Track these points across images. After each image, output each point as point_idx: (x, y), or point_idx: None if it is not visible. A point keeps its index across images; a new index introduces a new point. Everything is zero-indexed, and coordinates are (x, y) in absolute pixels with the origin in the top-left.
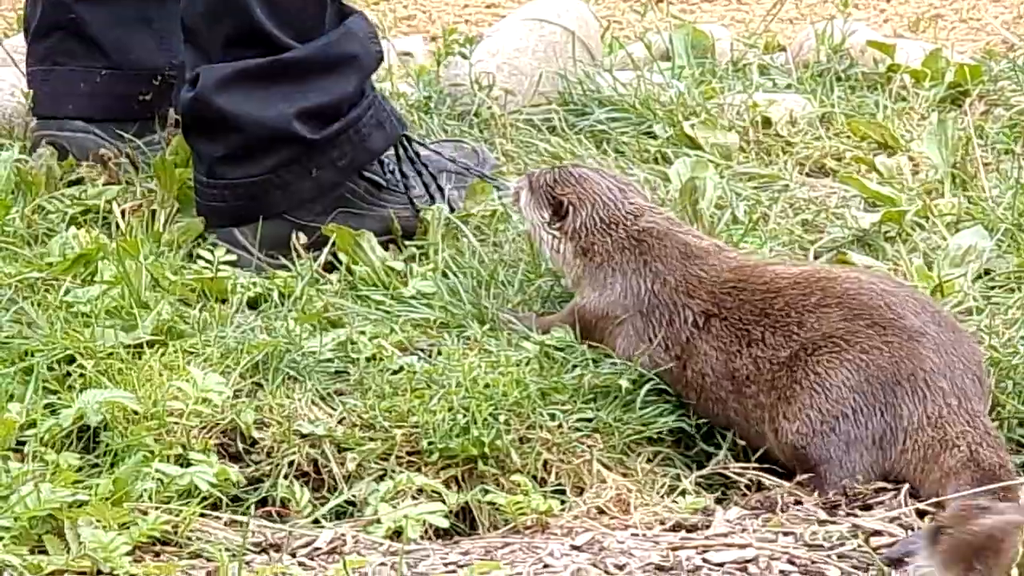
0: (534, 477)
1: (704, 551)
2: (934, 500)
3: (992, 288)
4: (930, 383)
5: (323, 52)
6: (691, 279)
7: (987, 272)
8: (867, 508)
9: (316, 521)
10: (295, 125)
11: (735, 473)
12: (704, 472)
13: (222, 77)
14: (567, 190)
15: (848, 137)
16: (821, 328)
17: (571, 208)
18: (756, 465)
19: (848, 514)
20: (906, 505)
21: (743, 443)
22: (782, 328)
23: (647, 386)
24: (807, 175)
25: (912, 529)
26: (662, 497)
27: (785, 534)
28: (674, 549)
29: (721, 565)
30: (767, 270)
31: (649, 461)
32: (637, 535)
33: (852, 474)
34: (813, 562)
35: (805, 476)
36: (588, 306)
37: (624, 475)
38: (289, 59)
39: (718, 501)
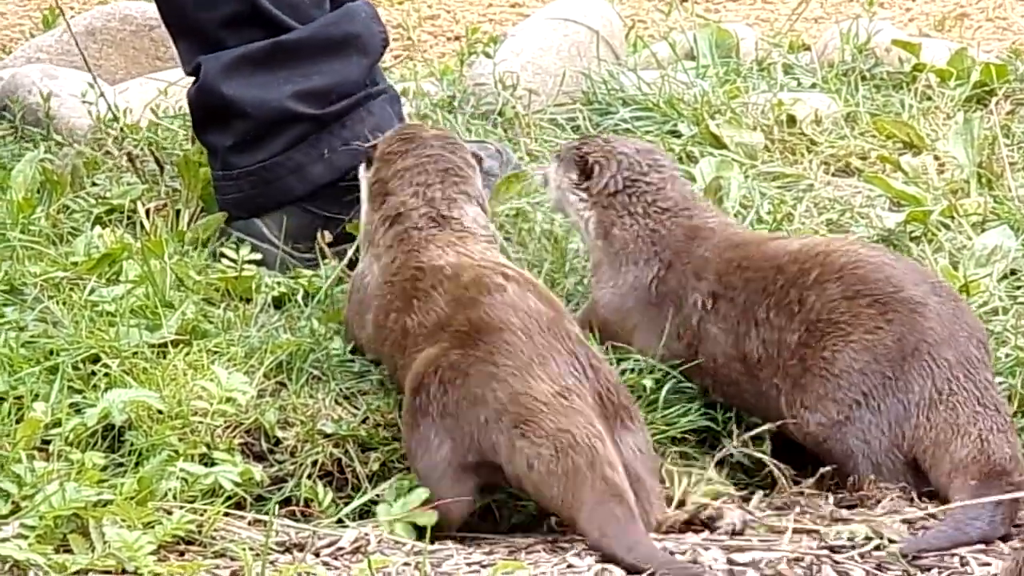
0: None
1: (730, 551)
2: (941, 508)
3: (1018, 288)
4: (935, 355)
5: (324, 32)
6: (697, 260)
7: (1013, 272)
8: (879, 503)
9: (340, 521)
10: (298, 105)
11: (751, 462)
12: (720, 455)
13: (224, 64)
14: (594, 150)
15: (873, 136)
16: (822, 307)
17: (597, 166)
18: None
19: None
20: (911, 504)
21: (763, 438)
22: (784, 307)
23: (669, 385)
24: (832, 174)
25: (924, 528)
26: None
27: (808, 533)
28: (700, 549)
29: (747, 565)
30: (768, 246)
31: (674, 461)
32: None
33: (875, 464)
34: (837, 562)
35: (827, 469)
36: (602, 302)
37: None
38: (290, 41)
39: (744, 499)
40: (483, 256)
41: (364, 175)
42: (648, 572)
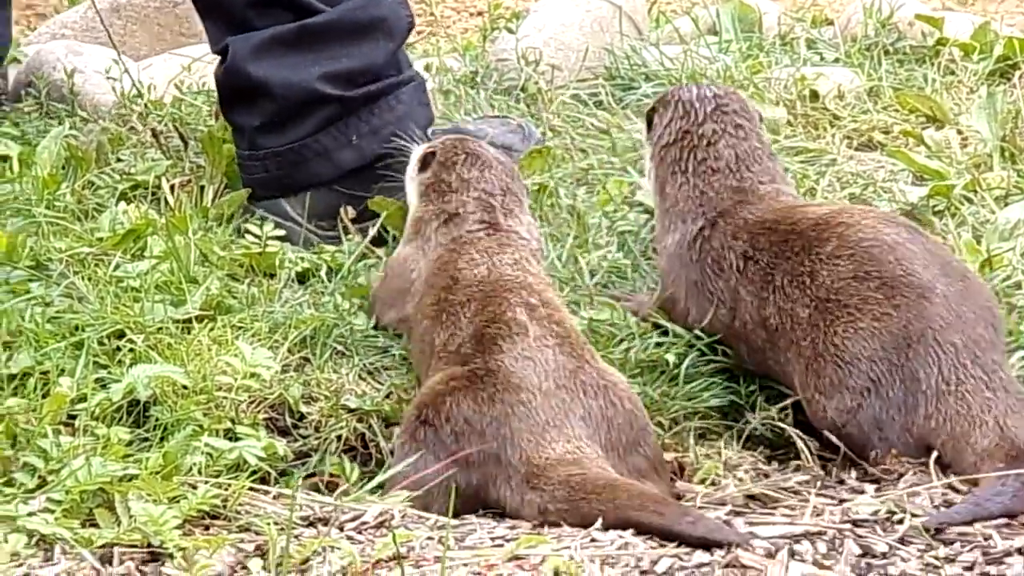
0: None
1: (753, 525)
2: (968, 477)
3: None
4: (941, 341)
5: (351, 15)
6: (738, 221)
7: None
8: (901, 477)
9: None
10: (325, 87)
11: (776, 435)
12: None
13: (253, 45)
14: (661, 97)
15: (896, 111)
16: (832, 284)
17: (655, 115)
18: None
19: (882, 487)
20: (937, 479)
21: (787, 411)
22: (797, 278)
23: (690, 359)
24: (855, 149)
25: (947, 504)
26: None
27: (831, 507)
28: (723, 523)
29: (769, 539)
30: (797, 211)
31: (698, 436)
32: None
33: (887, 450)
34: (859, 536)
35: (844, 451)
36: (659, 266)
37: (671, 449)
38: (317, 23)
39: (764, 476)
40: (516, 271)
41: (417, 176)
42: (724, 544)
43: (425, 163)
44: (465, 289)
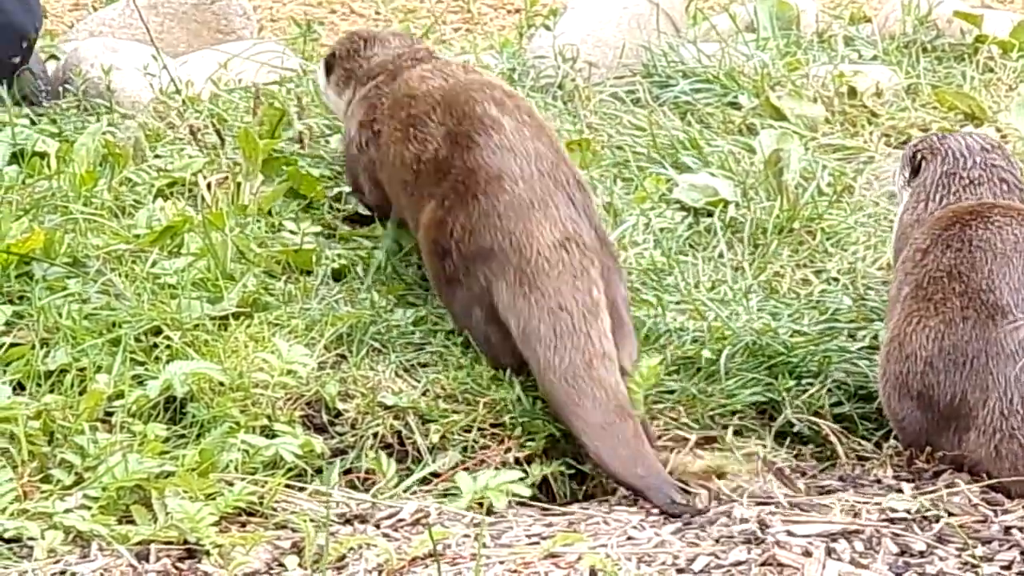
0: None
1: (790, 523)
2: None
3: None
4: (995, 371)
5: None
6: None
7: None
8: (938, 476)
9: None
10: None
11: (810, 429)
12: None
13: None
14: (923, 147)
15: (935, 108)
16: (929, 271)
17: (923, 162)
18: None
19: (920, 485)
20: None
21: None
22: (907, 260)
23: (725, 355)
24: (893, 147)
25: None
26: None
27: (867, 507)
28: (758, 521)
29: (806, 537)
30: (963, 206)
31: (735, 433)
32: (722, 505)
33: (931, 453)
34: (896, 534)
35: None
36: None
37: (709, 447)
38: None
39: (800, 473)
40: (473, 75)
41: (327, 80)
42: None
43: (329, 66)
44: (426, 99)
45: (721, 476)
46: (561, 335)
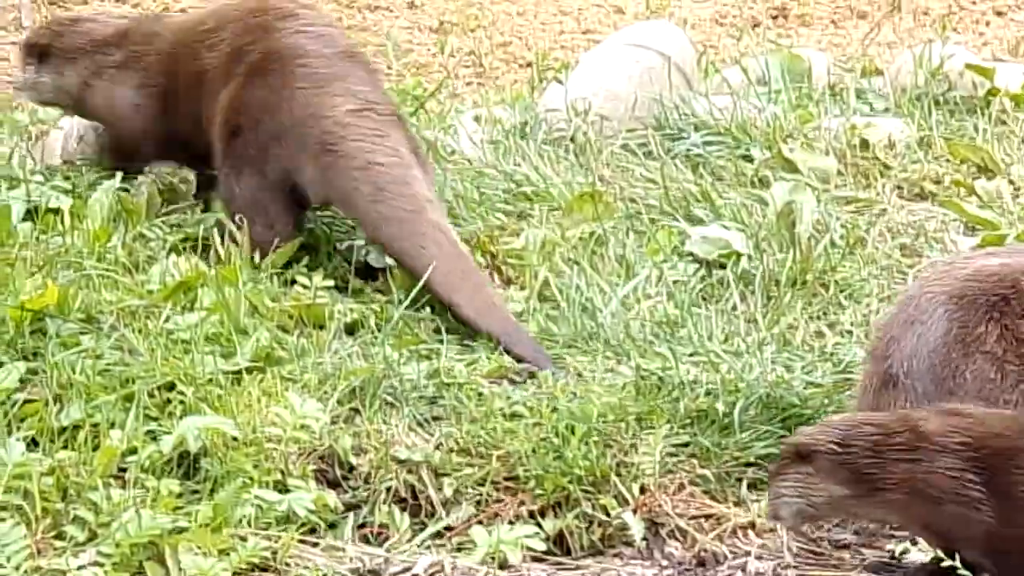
0: (627, 502)
1: None
2: None
3: None
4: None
5: None
6: None
7: None
8: None
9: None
10: None
11: None
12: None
13: None
14: None
15: (947, 161)
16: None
17: None
18: None
19: None
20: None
21: None
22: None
23: (739, 407)
24: (906, 199)
25: None
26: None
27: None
28: (773, 574)
29: None
30: None
31: (749, 486)
32: (736, 559)
33: None
34: None
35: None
36: None
37: (721, 500)
38: None
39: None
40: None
41: (34, 70)
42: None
43: (42, 53)
44: (213, 18)
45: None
46: (382, 187)
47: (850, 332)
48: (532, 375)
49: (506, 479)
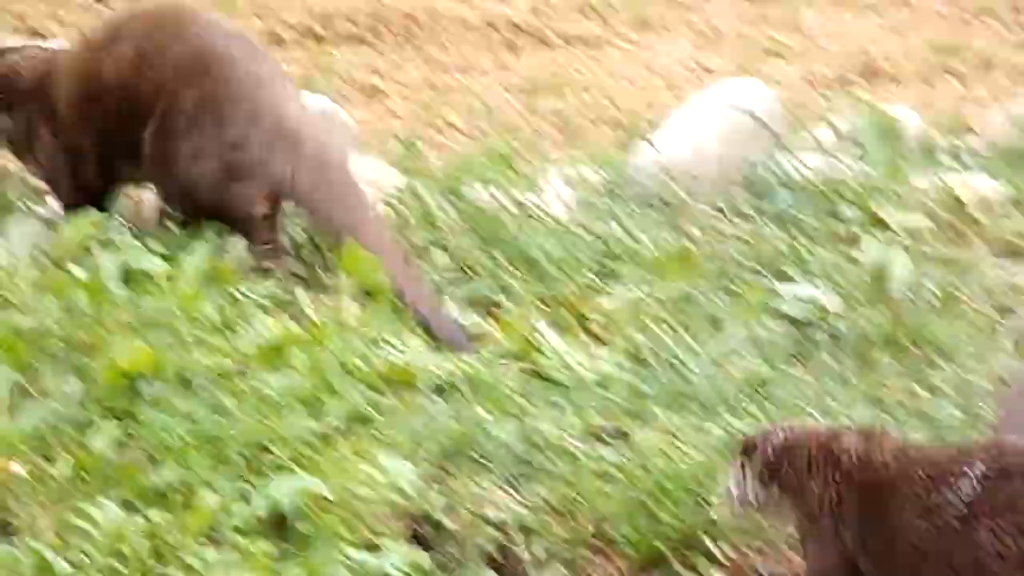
0: (718, 561)
1: None
2: None
3: None
4: None
5: None
6: None
7: None
8: None
9: None
10: None
11: None
12: None
13: None
14: None
15: None
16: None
17: None
18: None
19: None
20: None
21: None
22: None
23: None
24: (999, 257)
25: None
26: None
27: None
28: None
29: None
30: None
31: None
32: None
33: None
34: None
35: None
36: None
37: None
38: None
39: None
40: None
41: None
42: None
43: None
44: (114, 29)
45: None
46: (333, 184)
47: (943, 391)
48: (625, 434)
49: (596, 538)
